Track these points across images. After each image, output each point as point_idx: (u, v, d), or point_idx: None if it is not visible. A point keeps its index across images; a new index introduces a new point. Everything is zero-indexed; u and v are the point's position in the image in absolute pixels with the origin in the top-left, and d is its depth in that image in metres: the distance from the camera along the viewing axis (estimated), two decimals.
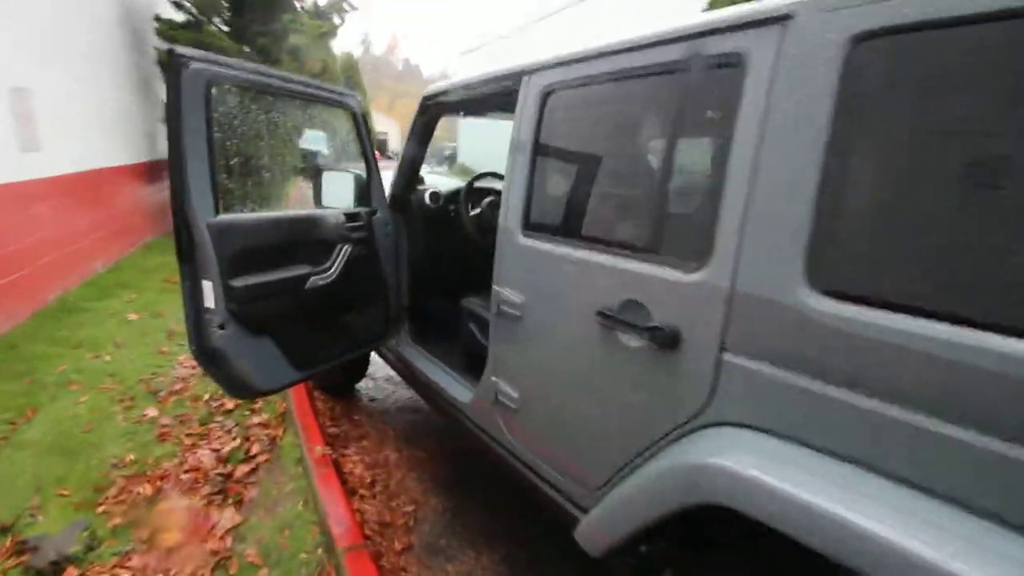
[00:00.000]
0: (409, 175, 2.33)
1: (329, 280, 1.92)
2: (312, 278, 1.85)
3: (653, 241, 1.19)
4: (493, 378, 1.69)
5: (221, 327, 1.62)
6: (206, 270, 1.57)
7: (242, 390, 1.76)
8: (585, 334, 1.31)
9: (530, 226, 1.52)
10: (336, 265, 1.94)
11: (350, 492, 2.20)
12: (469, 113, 2.23)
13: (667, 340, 1.11)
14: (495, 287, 1.62)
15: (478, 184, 2.46)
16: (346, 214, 2.01)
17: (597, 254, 1.28)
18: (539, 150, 1.49)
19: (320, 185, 2.19)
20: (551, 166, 1.49)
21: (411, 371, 2.33)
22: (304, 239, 1.87)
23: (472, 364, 2.19)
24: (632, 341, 1.20)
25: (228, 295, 1.60)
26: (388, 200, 2.29)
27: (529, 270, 1.51)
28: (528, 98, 1.51)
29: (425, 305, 2.54)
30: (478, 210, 2.35)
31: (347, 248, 1.98)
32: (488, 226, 2.35)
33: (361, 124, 2.07)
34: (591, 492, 1.37)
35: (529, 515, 2.12)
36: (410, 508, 2.17)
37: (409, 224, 2.37)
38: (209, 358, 1.65)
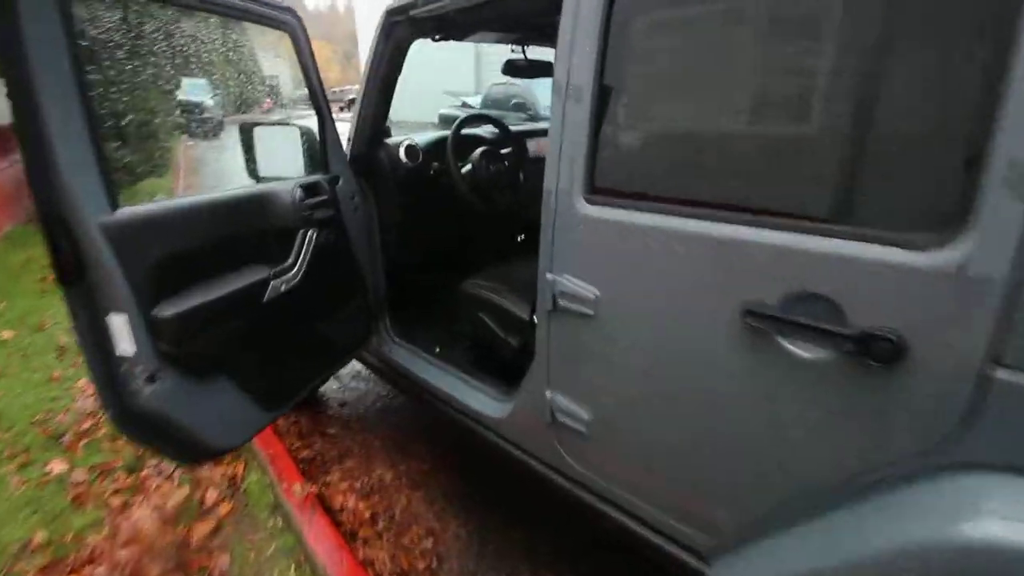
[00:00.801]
0: (373, 125, 1.76)
1: (295, 282, 1.38)
2: (272, 283, 1.32)
3: (846, 204, 0.80)
4: (548, 393, 1.29)
5: (151, 379, 1.08)
6: (112, 298, 1.01)
7: (196, 455, 1.25)
8: (718, 340, 0.93)
9: (600, 189, 1.08)
10: (301, 260, 1.41)
11: (349, 537, 1.76)
12: (456, 34, 1.67)
13: (884, 352, 0.75)
14: (548, 275, 1.18)
15: (465, 131, 1.94)
16: (303, 187, 1.45)
17: (737, 227, 0.88)
18: (609, 75, 1.02)
19: (253, 147, 1.59)
20: (633, 98, 1.04)
21: (403, 376, 1.88)
22: (253, 229, 1.31)
23: (486, 363, 1.77)
24: (810, 351, 0.83)
25: (155, 331, 1.06)
26: (350, 160, 1.74)
27: (605, 251, 1.08)
28: None
29: (409, 292, 2.05)
30: (468, 165, 1.85)
31: (312, 234, 1.44)
32: (485, 184, 1.87)
33: (306, 54, 1.47)
34: (721, 538, 1.05)
35: (564, 527, 1.81)
36: (428, 543, 1.78)
37: (379, 190, 1.83)
38: (140, 426, 1.12)
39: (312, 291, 1.45)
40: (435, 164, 1.91)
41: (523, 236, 2.29)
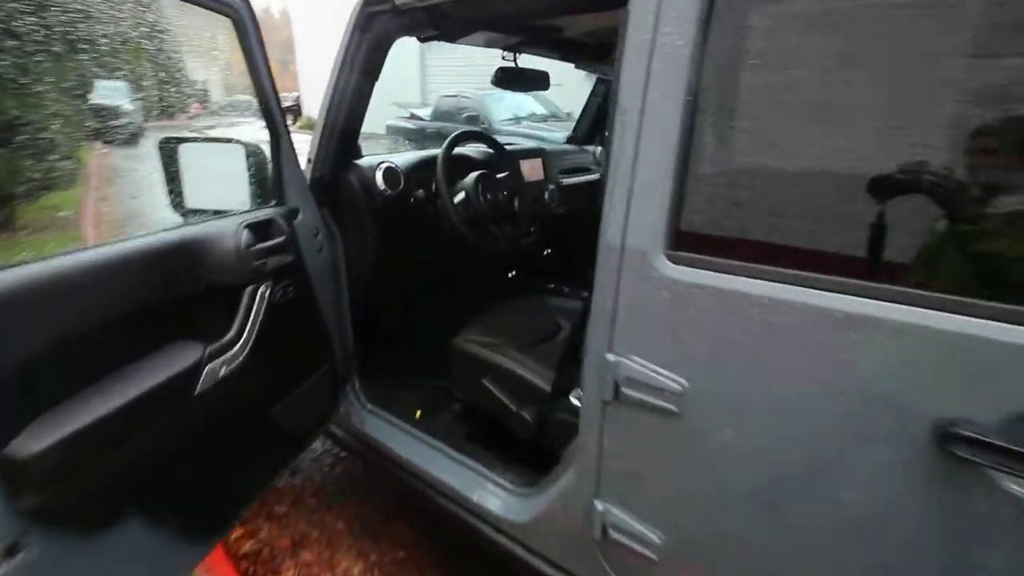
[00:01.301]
0: (342, 143, 1.40)
1: (240, 360, 1.00)
2: (208, 367, 0.93)
3: None
4: (599, 504, 0.97)
5: (10, 552, 0.67)
6: None
7: None
8: (888, 465, 0.66)
9: (689, 243, 0.78)
10: (249, 329, 1.02)
11: None
12: (449, 32, 1.32)
13: None
14: (608, 356, 0.87)
15: (457, 151, 1.60)
16: (251, 226, 1.06)
17: (940, 313, 0.60)
18: (709, 89, 0.73)
19: (178, 169, 1.18)
20: (751, 120, 0.75)
21: (378, 454, 1.50)
22: (179, 292, 0.92)
23: (486, 439, 1.44)
24: None
25: (13, 480, 0.65)
26: (311, 185, 1.36)
27: (699, 329, 0.78)
28: None
29: (383, 345, 1.68)
30: (462, 193, 1.51)
31: (264, 291, 1.06)
32: (481, 215, 1.53)
33: (255, 48, 1.09)
34: None
35: None
36: None
37: (348, 223, 1.46)
38: None
39: (264, 367, 1.06)
40: (419, 192, 1.56)
41: (514, 272, 1.98)
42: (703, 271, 0.76)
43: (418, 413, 1.63)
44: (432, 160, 1.54)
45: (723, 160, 0.77)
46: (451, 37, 1.37)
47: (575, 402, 1.02)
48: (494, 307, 1.59)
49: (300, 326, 1.22)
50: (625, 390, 0.86)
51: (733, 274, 0.74)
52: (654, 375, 0.82)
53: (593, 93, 2.28)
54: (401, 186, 1.50)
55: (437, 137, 7.80)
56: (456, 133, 1.57)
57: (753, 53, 0.72)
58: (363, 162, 1.47)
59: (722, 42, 0.71)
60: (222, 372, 0.95)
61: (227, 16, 1.04)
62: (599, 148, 2.35)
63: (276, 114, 1.19)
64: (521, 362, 1.32)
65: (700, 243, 0.78)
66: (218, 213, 1.14)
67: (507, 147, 1.81)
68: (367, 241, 1.46)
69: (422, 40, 1.33)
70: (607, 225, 0.85)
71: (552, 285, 2.07)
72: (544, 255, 2.04)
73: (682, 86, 0.74)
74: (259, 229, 1.08)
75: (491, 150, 1.74)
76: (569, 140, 2.41)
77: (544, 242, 1.99)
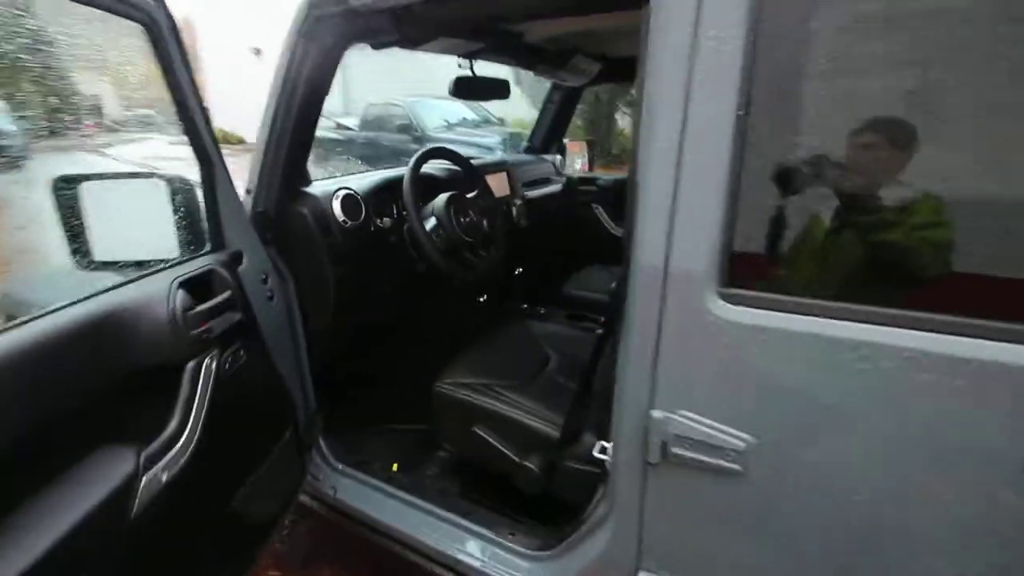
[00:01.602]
0: (288, 169, 1.18)
1: (185, 458, 0.78)
2: (146, 477, 0.71)
3: None
4: None
5: None
6: None
7: None
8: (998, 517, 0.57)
9: (747, 278, 0.67)
10: (194, 418, 0.80)
11: None
12: (411, 37, 1.13)
13: None
14: (653, 412, 0.74)
15: (424, 170, 1.41)
16: (185, 283, 0.84)
17: None
18: (765, 94, 0.62)
19: (81, 214, 0.92)
20: (822, 129, 0.64)
21: (356, 521, 1.30)
22: (96, 386, 0.70)
23: (480, 493, 1.29)
24: None
25: None
26: (252, 221, 1.14)
27: (762, 378, 0.67)
28: None
29: (349, 396, 1.48)
30: (432, 220, 1.33)
31: (209, 364, 0.84)
32: (457, 243, 1.36)
33: (175, 57, 0.87)
34: None
35: None
36: None
37: (301, 263, 1.24)
38: None
39: (217, 458, 0.85)
40: (383, 220, 1.36)
41: (485, 296, 1.82)
42: (766, 311, 0.65)
43: (395, 466, 1.44)
44: (393, 183, 1.36)
45: (790, 184, 0.66)
46: (412, 43, 1.20)
47: (601, 456, 0.89)
48: (474, 342, 1.43)
49: (256, 395, 1.01)
50: (675, 449, 0.74)
51: (804, 314, 0.63)
52: (710, 431, 0.71)
53: (548, 100, 2.17)
54: (363, 216, 1.30)
55: (369, 148, 7.45)
56: (421, 151, 1.39)
57: (821, 58, 0.61)
58: (315, 190, 1.26)
59: (775, 45, 0.60)
60: (165, 478, 0.73)
61: (138, 22, 0.81)
62: (559, 157, 2.24)
63: (206, 136, 0.96)
64: (519, 405, 1.17)
65: (761, 280, 0.66)
66: (140, 265, 0.90)
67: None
68: (325, 281, 1.25)
69: (376, 47, 1.15)
70: (640, 256, 0.72)
71: (525, 306, 1.93)
72: (516, 275, 1.90)
73: (734, 93, 0.62)
74: (197, 284, 0.87)
75: (457, 167, 1.57)
76: (527, 150, 2.28)
77: (513, 261, 1.85)
